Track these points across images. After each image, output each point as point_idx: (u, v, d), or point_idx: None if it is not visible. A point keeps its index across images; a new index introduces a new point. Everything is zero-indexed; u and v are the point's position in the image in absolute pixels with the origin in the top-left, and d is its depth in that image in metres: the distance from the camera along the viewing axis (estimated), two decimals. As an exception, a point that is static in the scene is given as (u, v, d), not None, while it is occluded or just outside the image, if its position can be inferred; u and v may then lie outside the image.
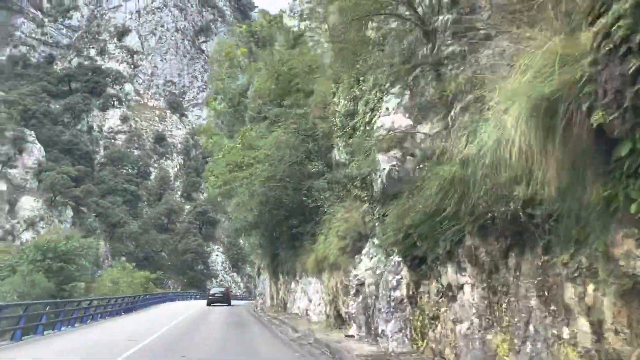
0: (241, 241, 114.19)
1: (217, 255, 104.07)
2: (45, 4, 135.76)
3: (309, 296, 21.89)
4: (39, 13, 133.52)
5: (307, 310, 22.26)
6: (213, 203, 38.00)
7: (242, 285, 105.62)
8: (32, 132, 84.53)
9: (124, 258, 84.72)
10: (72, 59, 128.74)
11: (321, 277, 19.32)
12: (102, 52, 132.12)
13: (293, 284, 26.06)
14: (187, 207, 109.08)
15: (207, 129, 44.44)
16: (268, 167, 22.28)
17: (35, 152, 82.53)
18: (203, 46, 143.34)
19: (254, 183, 22.80)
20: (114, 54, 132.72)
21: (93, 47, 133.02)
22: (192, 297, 72.82)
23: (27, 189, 78.03)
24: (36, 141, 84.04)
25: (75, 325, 24.16)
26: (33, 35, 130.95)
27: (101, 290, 49.44)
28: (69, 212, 78.33)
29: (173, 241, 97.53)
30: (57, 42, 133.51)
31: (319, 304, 20.00)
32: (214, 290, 47.50)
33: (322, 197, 19.42)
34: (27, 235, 73.54)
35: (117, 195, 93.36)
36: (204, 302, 47.72)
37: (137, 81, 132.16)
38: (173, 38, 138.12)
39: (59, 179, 75.65)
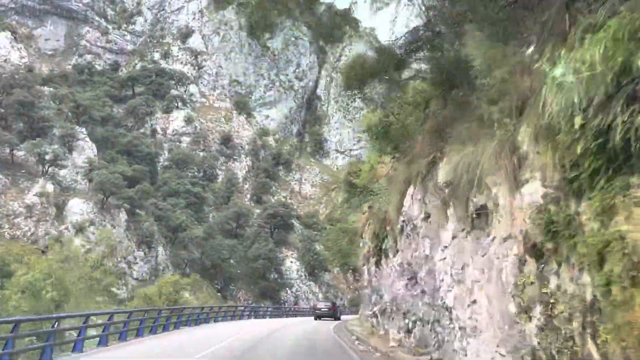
0: (317, 246, 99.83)
1: (291, 262, 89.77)
2: (109, 12, 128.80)
3: None
4: (102, 21, 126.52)
5: None
6: None
7: (320, 296, 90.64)
8: (84, 129, 73.96)
9: (186, 268, 72.14)
10: (136, 65, 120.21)
11: None
12: (166, 55, 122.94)
13: None
14: (257, 211, 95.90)
15: None
16: None
17: (86, 151, 71.81)
18: (268, 43, 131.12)
19: None
20: (177, 56, 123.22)
21: (157, 51, 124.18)
22: (262, 313, 57.00)
23: (78, 190, 67.08)
24: (87, 139, 73.40)
25: None
26: (98, 44, 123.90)
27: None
28: (123, 216, 66.51)
29: (242, 247, 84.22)
30: (122, 48, 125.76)
31: None
32: (320, 304, 45.11)
33: None
34: (76, 242, 62.09)
35: (180, 197, 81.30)
36: (269, 324, 34.60)
37: (201, 82, 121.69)
38: (237, 36, 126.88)
39: (111, 177, 64.01)
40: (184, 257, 69.87)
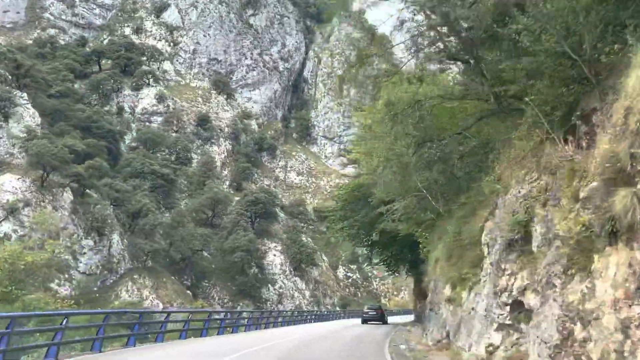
0: (304, 238, 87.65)
1: (274, 255, 77.47)
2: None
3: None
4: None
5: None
6: None
7: (307, 294, 78.60)
8: (25, 94, 60.80)
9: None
10: (105, 40, 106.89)
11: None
12: (138, 30, 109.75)
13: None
14: (237, 198, 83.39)
15: None
16: None
17: (26, 119, 58.77)
18: (251, 20, 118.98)
19: None
20: (151, 31, 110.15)
21: (128, 26, 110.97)
22: (237, 319, 33.53)
23: (12, 165, 54.09)
24: (29, 105, 60.30)
25: None
26: (63, 17, 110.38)
27: None
28: (68, 196, 53.62)
29: (218, 238, 71.80)
30: (90, 23, 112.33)
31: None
32: (367, 309, 44.86)
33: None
34: (5, 227, 49.28)
35: (144, 179, 68.53)
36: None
37: (177, 60, 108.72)
38: (217, 11, 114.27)
39: (52, 149, 51.07)
40: (144, 248, 57.14)
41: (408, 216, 17.50)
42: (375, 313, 41.95)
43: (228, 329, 29.49)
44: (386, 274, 54.65)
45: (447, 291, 13.52)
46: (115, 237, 56.17)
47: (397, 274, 45.01)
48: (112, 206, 58.89)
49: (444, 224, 14.44)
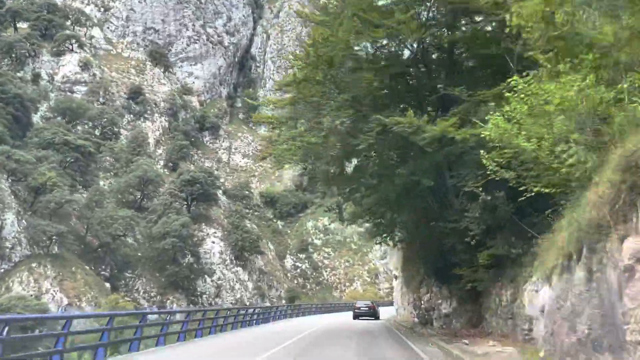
0: (248, 223, 78.41)
1: (213, 242, 67.98)
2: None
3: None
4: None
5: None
6: None
7: (250, 285, 69.59)
8: None
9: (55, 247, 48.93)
10: (23, 2, 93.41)
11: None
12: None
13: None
14: (171, 179, 73.19)
15: None
16: None
17: None
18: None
19: None
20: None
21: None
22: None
23: None
24: None
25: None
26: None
27: None
28: (-57, 164, 42.55)
29: (146, 222, 61.65)
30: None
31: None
32: (360, 304, 42.31)
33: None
34: None
35: (56, 150, 57.46)
36: None
37: (108, 28, 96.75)
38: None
39: None
40: (47, 230, 46.55)
41: None
42: (367, 309, 40.21)
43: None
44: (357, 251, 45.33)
45: None
46: (10, 217, 45.37)
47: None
48: (9, 180, 47.94)
49: None
